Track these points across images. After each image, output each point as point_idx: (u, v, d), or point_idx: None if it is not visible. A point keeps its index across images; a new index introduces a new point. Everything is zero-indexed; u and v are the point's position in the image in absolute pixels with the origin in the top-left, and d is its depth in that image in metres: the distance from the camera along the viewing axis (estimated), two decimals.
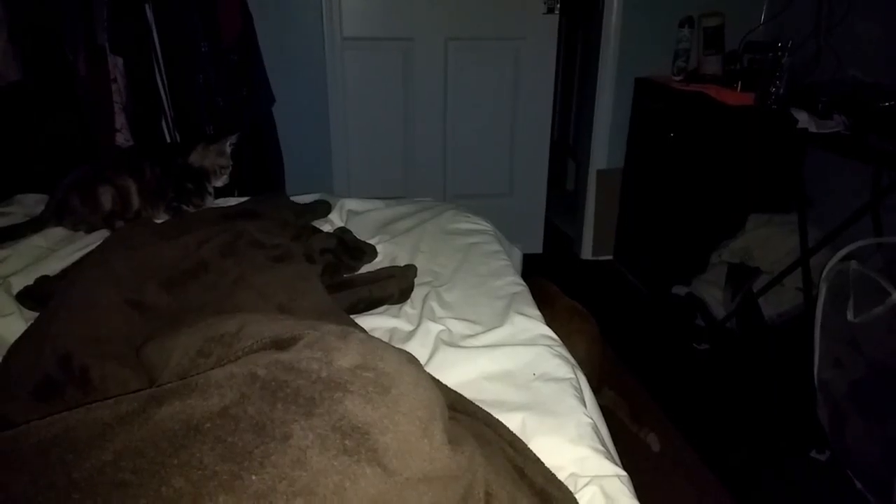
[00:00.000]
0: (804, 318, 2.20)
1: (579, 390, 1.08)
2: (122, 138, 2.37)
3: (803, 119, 2.20)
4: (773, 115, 2.39)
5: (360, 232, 1.65)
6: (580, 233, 3.48)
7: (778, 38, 2.52)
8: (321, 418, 0.64)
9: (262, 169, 2.65)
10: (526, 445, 0.94)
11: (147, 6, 2.28)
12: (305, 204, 1.80)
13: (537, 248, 3.46)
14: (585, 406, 1.04)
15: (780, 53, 2.42)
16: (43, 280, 1.35)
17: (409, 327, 1.27)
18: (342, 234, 1.59)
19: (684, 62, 2.84)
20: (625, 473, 0.92)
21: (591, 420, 1.01)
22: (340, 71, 3.01)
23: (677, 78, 2.84)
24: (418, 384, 0.73)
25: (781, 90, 2.39)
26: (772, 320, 2.49)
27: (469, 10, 3.01)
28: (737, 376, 2.45)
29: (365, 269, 1.51)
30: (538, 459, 0.92)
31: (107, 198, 1.63)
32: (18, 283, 1.35)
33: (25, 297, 1.31)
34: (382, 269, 1.47)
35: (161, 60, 2.34)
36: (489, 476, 0.79)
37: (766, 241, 2.54)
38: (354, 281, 1.40)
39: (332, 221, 1.76)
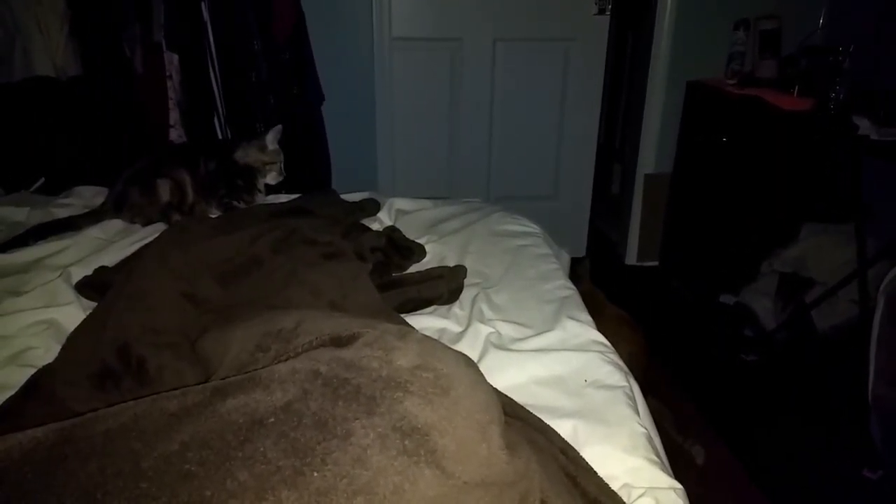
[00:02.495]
0: (859, 332, 2.13)
1: (632, 399, 1.06)
2: (176, 134, 2.41)
3: (864, 126, 2.13)
4: (831, 121, 2.32)
5: (409, 231, 1.65)
6: (625, 237, 3.44)
7: (837, 42, 2.44)
8: (382, 417, 0.64)
9: (309, 167, 2.67)
10: (578, 453, 0.93)
11: (203, 4, 2.32)
12: (355, 202, 1.81)
13: (580, 251, 3.42)
14: (639, 415, 1.02)
15: (840, 58, 2.35)
16: (101, 271, 1.39)
17: (458, 328, 1.26)
18: (391, 232, 1.59)
19: (739, 65, 2.78)
20: (680, 486, 0.90)
21: (644, 430, 0.98)
22: (388, 70, 3.02)
23: (731, 82, 2.78)
24: (476, 387, 0.72)
25: (841, 96, 2.33)
26: (824, 333, 2.42)
27: (518, 11, 3.00)
28: (786, 389, 2.39)
29: (413, 268, 1.51)
30: (591, 468, 0.90)
31: (165, 190, 1.67)
32: (77, 273, 1.38)
33: (84, 287, 1.34)
34: (432, 268, 1.46)
35: (215, 58, 2.38)
36: (544, 484, 0.78)
37: (821, 251, 2.47)
38: (404, 280, 1.40)
39: (381, 220, 1.77)
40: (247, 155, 1.79)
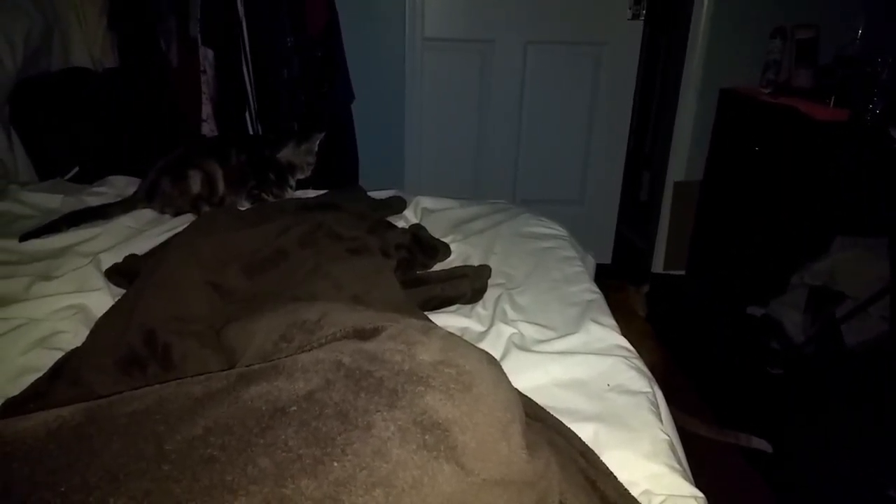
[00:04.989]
0: (889, 348, 2.08)
1: (655, 405, 1.05)
2: (208, 128, 2.45)
3: None
4: (868, 133, 2.28)
5: (434, 230, 1.65)
6: (652, 245, 3.40)
7: (875, 53, 2.40)
8: (403, 411, 0.64)
9: (337, 163, 2.68)
10: (598, 457, 0.92)
11: (239, 0, 2.35)
12: (381, 199, 1.81)
13: (606, 258, 3.40)
14: (662, 422, 1.01)
15: (878, 69, 2.31)
16: (131, 258, 1.40)
17: (480, 328, 1.26)
18: (417, 230, 1.59)
19: (774, 74, 2.74)
20: (701, 495, 0.89)
21: (667, 437, 0.97)
22: (419, 71, 3.03)
23: (765, 90, 2.74)
24: (499, 385, 0.72)
25: (878, 108, 2.28)
26: (854, 348, 2.37)
27: (551, 14, 2.99)
28: (812, 405, 2.34)
29: (438, 267, 1.51)
30: (611, 473, 0.89)
31: (196, 181, 1.69)
32: (108, 260, 1.40)
33: (114, 274, 1.36)
34: (456, 267, 1.46)
35: (249, 53, 2.40)
36: (563, 485, 0.77)
37: (852, 265, 2.42)
38: (428, 278, 1.40)
39: (407, 218, 1.77)
40: (295, 155, 1.84)
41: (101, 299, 1.27)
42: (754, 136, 2.74)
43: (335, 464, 0.59)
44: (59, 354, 1.10)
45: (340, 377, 0.66)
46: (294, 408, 0.62)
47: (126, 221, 1.64)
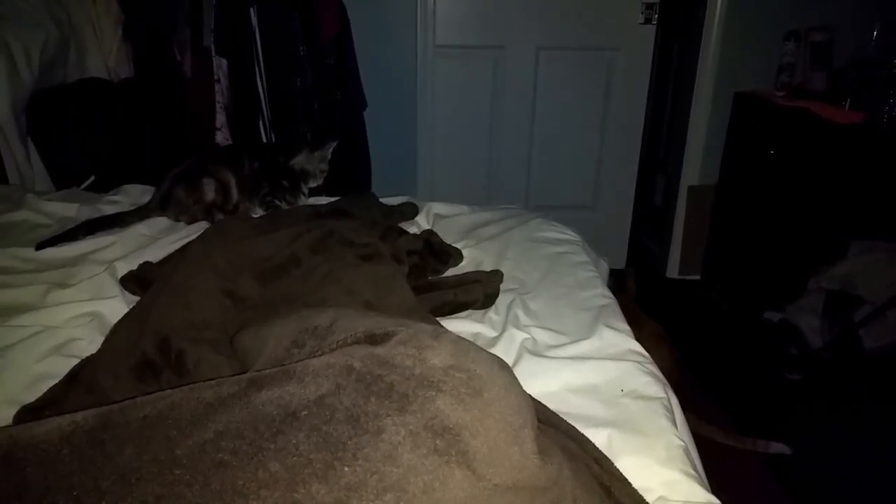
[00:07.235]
0: None
1: (670, 410, 1.04)
2: (222, 137, 2.46)
3: None
4: (883, 136, 2.25)
5: (446, 236, 1.65)
6: (667, 250, 3.38)
7: (890, 55, 2.37)
8: (414, 415, 0.64)
9: (350, 171, 2.69)
10: (612, 463, 0.91)
11: (252, 10, 2.37)
12: (393, 206, 1.82)
13: (620, 263, 3.37)
14: (677, 427, 1.00)
15: (893, 71, 2.29)
16: (146, 266, 1.42)
17: (492, 333, 1.25)
18: (429, 236, 1.59)
19: (788, 77, 2.72)
20: (718, 502, 0.88)
21: (682, 442, 0.96)
22: (431, 78, 3.04)
23: (780, 93, 2.72)
24: (510, 390, 0.71)
25: (895, 110, 2.26)
26: (872, 353, 2.34)
27: (562, 19, 2.98)
28: (831, 410, 2.31)
29: (450, 272, 1.50)
30: (625, 479, 0.89)
31: (210, 189, 1.70)
32: (123, 268, 1.41)
33: (128, 281, 1.37)
34: (468, 273, 1.46)
35: (262, 63, 2.42)
36: (576, 491, 0.76)
37: (870, 269, 2.39)
38: (440, 283, 1.40)
39: (419, 224, 1.77)
40: (308, 162, 1.85)
41: (116, 307, 1.28)
42: (769, 139, 2.72)
43: (346, 468, 0.59)
44: (75, 361, 1.11)
45: (351, 382, 0.66)
46: (305, 412, 0.62)
47: (141, 229, 1.65)
